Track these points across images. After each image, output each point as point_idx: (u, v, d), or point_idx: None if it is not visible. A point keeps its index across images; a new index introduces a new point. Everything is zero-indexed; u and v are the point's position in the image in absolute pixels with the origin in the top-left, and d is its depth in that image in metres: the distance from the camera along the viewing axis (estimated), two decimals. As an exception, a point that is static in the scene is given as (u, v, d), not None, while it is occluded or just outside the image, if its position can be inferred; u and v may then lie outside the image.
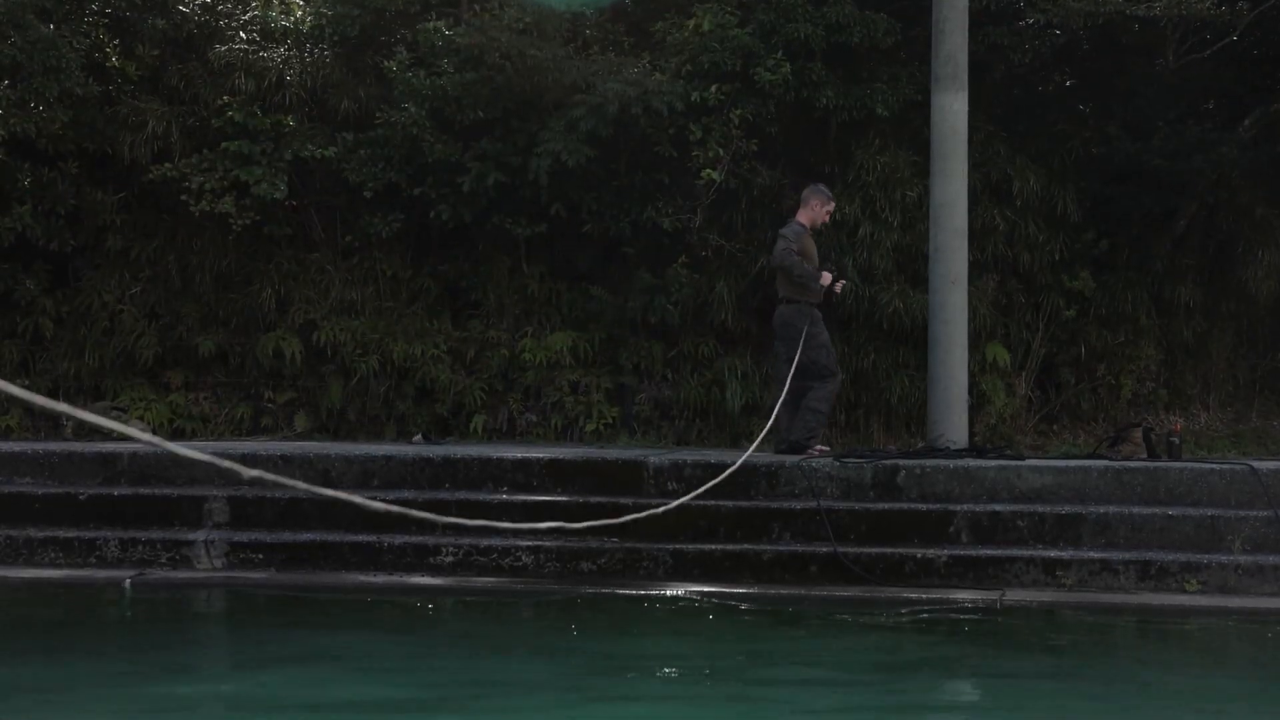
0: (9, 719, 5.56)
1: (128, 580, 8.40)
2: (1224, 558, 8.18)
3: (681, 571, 8.43)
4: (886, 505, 8.66)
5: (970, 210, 10.18)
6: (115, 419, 10.82)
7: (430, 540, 8.69)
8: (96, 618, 7.90)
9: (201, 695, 6.12)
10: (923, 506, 8.62)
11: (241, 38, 11.74)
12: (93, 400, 11.43)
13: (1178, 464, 8.87)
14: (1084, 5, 10.77)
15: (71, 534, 8.82)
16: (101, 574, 8.53)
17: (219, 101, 11.40)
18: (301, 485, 3.95)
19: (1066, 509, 8.50)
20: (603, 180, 11.28)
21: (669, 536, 8.56)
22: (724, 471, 8.42)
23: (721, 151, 11.07)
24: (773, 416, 9.19)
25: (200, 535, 8.80)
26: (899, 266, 11.34)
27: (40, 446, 9.69)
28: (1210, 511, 8.43)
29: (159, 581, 8.45)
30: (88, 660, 6.64)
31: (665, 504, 7.72)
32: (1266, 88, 11.67)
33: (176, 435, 11.26)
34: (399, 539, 8.70)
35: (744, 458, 8.59)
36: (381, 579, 8.50)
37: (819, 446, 9.19)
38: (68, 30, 11.10)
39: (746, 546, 8.49)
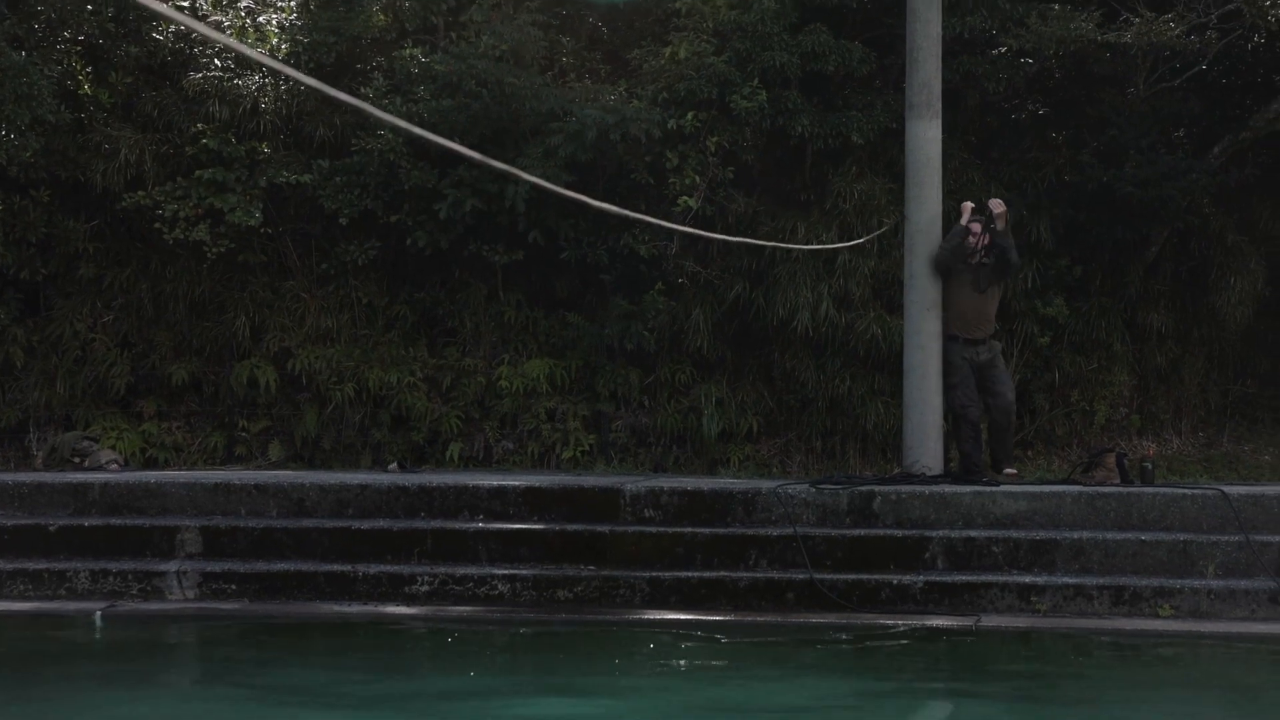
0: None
1: (98, 612, 8.31)
2: (1196, 583, 8.21)
3: (658, 600, 8.40)
4: (862, 531, 8.66)
5: (945, 237, 10.23)
6: (86, 449, 10.73)
7: (406, 569, 8.64)
8: (66, 651, 7.78)
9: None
10: (899, 533, 8.62)
11: (216, 65, 11.72)
12: (64, 430, 11.32)
13: (1150, 489, 8.91)
14: (1055, 30, 10.87)
15: (41, 565, 8.73)
16: (72, 606, 8.45)
17: (193, 129, 11.38)
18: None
19: (1041, 535, 8.53)
20: (580, 207, 11.29)
21: (645, 564, 8.54)
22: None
23: (698, 179, 11.11)
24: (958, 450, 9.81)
25: (172, 566, 8.71)
26: (875, 293, 11.39)
27: (9, 477, 9.59)
28: (1183, 536, 8.47)
29: (130, 613, 8.36)
30: (57, 697, 6.55)
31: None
32: (1235, 116, 11.80)
33: (149, 465, 11.17)
34: (374, 568, 8.65)
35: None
36: (356, 609, 8.43)
37: (1008, 469, 9.69)
38: (40, 57, 11.05)
39: (723, 574, 8.47)
